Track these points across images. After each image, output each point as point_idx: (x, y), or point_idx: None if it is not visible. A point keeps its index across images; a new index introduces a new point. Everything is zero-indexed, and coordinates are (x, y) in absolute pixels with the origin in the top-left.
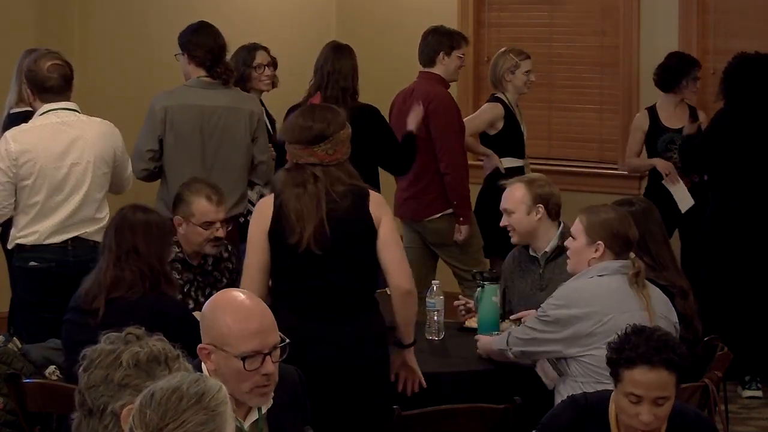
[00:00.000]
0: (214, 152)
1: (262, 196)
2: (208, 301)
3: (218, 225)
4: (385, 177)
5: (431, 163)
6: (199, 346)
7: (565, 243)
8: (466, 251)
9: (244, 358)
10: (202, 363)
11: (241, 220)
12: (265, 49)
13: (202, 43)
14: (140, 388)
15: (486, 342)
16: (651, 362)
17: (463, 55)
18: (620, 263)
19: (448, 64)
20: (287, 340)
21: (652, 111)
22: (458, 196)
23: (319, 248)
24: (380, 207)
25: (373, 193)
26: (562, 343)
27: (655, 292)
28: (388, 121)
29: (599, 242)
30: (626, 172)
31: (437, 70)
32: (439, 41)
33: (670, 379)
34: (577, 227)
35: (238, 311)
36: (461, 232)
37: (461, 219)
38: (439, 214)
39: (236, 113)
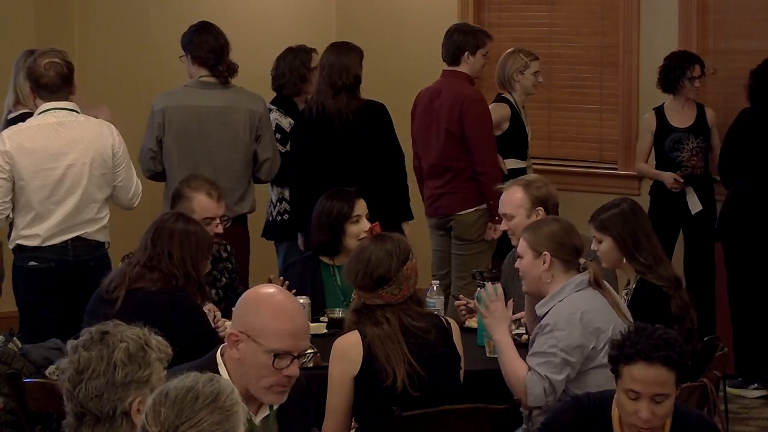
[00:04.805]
0: (213, 152)
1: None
2: (247, 291)
3: (218, 221)
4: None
5: (469, 160)
6: (230, 331)
7: (515, 265)
8: (485, 252)
9: (275, 355)
10: (217, 354)
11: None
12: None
13: (203, 43)
14: (141, 379)
15: (511, 365)
16: (649, 359)
17: (487, 52)
18: (586, 275)
19: (473, 63)
20: (315, 350)
21: (659, 111)
22: (494, 195)
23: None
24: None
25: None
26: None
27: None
28: (411, 118)
29: (545, 253)
30: (630, 173)
31: (462, 68)
32: (464, 40)
33: (669, 376)
34: (522, 245)
35: (279, 308)
36: (497, 231)
37: (497, 218)
38: (474, 209)
39: (235, 113)
